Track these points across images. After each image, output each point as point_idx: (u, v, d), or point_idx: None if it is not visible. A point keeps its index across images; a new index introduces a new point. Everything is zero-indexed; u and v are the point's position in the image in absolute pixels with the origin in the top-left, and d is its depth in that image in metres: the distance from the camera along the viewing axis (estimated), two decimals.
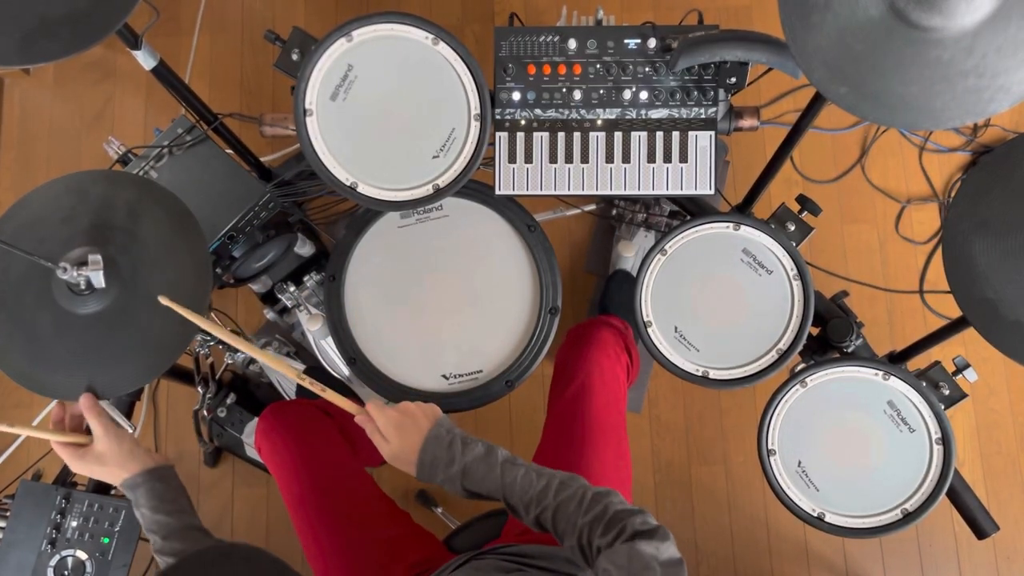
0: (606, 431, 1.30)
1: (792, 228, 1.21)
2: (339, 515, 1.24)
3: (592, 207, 2.05)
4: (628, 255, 1.95)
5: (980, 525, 1.22)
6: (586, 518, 0.92)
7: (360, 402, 1.07)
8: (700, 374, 1.19)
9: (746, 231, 1.19)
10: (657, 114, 1.16)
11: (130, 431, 1.07)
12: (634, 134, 1.17)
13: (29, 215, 1.05)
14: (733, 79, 1.15)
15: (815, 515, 1.14)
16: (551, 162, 1.17)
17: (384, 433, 1.02)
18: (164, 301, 0.99)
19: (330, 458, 1.31)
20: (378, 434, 1.03)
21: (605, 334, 1.43)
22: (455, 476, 0.99)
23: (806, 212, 1.22)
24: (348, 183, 1.15)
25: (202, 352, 1.61)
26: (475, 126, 1.14)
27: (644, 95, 1.16)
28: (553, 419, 1.37)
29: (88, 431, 1.04)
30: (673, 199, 1.38)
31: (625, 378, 1.45)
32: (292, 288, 1.78)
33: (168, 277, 1.02)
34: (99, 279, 0.97)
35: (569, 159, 1.17)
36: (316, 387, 1.05)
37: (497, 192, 1.18)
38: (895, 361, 1.25)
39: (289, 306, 1.82)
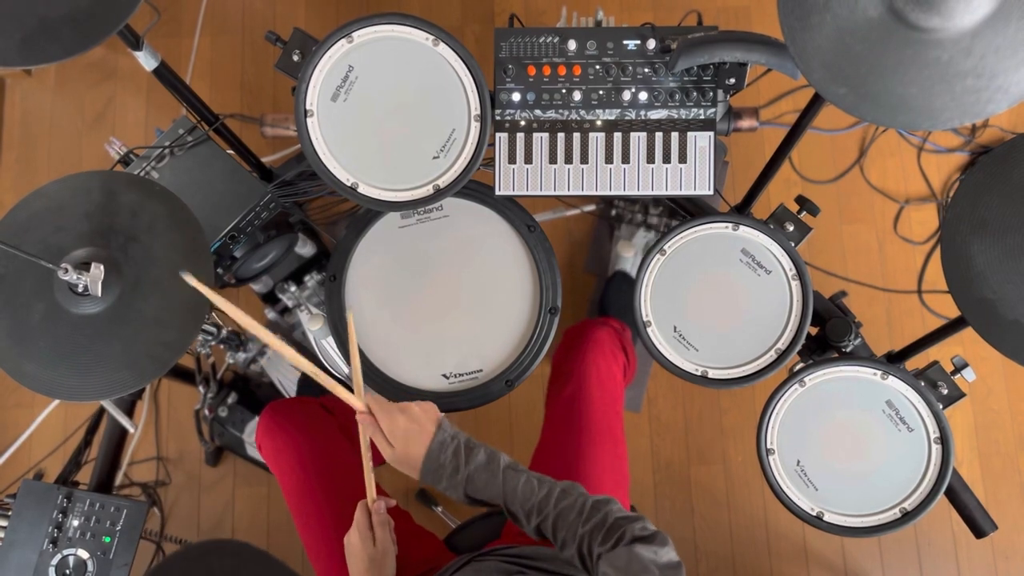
0: (603, 432, 1.30)
1: (791, 228, 1.22)
2: (341, 512, 1.25)
3: (592, 207, 2.06)
4: (628, 255, 1.96)
5: (978, 524, 1.22)
6: (586, 527, 0.93)
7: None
8: (699, 374, 1.19)
9: (745, 231, 1.20)
10: (656, 115, 1.17)
11: (131, 431, 1.07)
12: (633, 135, 1.17)
13: (30, 216, 1.05)
14: (732, 80, 1.15)
15: (814, 514, 1.15)
16: (551, 162, 1.18)
17: (390, 438, 1.02)
18: (188, 279, 0.97)
19: (332, 456, 1.32)
20: (381, 435, 1.02)
21: (601, 334, 1.43)
22: (459, 484, 1.00)
23: (805, 212, 1.22)
24: (349, 183, 1.15)
25: (203, 352, 1.61)
26: (475, 127, 1.14)
27: (643, 96, 1.16)
28: (550, 421, 1.38)
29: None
30: (672, 199, 1.39)
31: (621, 378, 1.45)
32: (293, 288, 1.79)
33: (169, 277, 1.02)
34: (96, 288, 0.97)
35: (569, 159, 1.17)
36: (321, 377, 1.04)
37: (497, 192, 1.18)
38: (893, 361, 1.25)
39: (290, 306, 1.83)
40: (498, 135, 1.17)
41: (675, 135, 1.17)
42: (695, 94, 1.16)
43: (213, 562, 0.62)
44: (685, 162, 1.17)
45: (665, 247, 1.21)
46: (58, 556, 1.16)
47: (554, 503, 0.96)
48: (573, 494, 0.97)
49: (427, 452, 1.00)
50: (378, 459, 1.08)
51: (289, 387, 1.88)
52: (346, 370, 1.29)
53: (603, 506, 0.95)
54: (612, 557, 0.88)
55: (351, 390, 1.06)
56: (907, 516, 1.12)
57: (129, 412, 1.35)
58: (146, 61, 1.15)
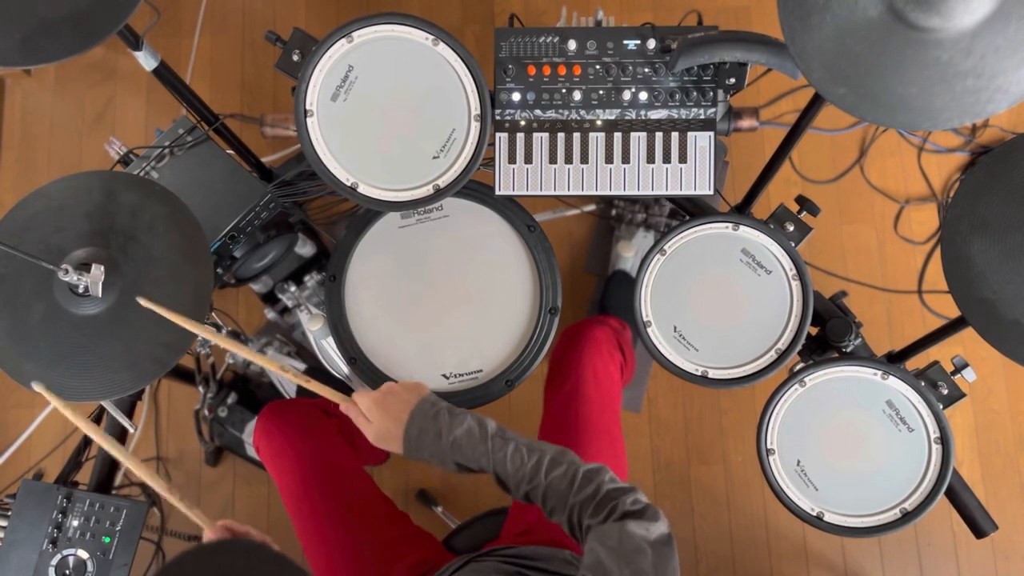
0: (600, 431, 1.30)
1: (791, 228, 1.22)
2: (339, 515, 1.25)
3: (592, 207, 2.06)
4: (627, 255, 1.96)
5: (978, 524, 1.22)
6: (577, 497, 0.92)
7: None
8: (699, 374, 1.19)
9: (745, 231, 1.20)
10: (656, 115, 1.17)
11: (131, 431, 1.07)
12: (633, 135, 1.17)
13: (30, 216, 1.05)
14: (732, 80, 1.15)
15: (814, 514, 1.15)
16: (551, 162, 1.18)
17: (368, 414, 1.01)
18: (144, 303, 0.98)
19: (330, 458, 1.32)
20: (362, 417, 1.01)
21: (598, 333, 1.43)
22: (444, 450, 0.98)
23: (805, 212, 1.22)
24: (348, 183, 1.15)
25: (203, 352, 1.61)
26: (475, 127, 1.14)
27: (643, 96, 1.16)
28: (548, 420, 1.38)
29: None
30: (672, 199, 1.39)
31: (619, 377, 1.45)
32: (293, 288, 1.79)
33: (169, 277, 1.02)
34: (97, 289, 0.97)
35: (569, 159, 1.17)
36: (301, 379, 1.05)
37: (497, 192, 1.18)
38: (894, 361, 1.25)
39: (290, 306, 1.83)
40: (498, 135, 1.17)
41: (675, 135, 1.17)
42: (695, 94, 1.16)
43: (225, 561, 0.62)
44: (685, 162, 1.17)
45: (665, 247, 1.21)
46: (58, 556, 1.16)
47: (545, 472, 0.95)
48: (564, 462, 0.96)
49: (408, 419, 0.99)
50: (377, 458, 1.08)
51: (288, 387, 1.88)
52: (346, 371, 1.29)
53: (595, 475, 0.93)
54: (603, 534, 0.86)
55: (342, 391, 1.06)
56: (907, 516, 1.12)
57: (129, 412, 1.35)
58: (146, 61, 1.15)
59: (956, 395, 1.18)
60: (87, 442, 1.39)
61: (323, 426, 1.38)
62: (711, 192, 1.17)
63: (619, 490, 0.91)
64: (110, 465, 1.33)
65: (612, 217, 2.01)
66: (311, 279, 1.77)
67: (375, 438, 1.01)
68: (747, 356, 1.19)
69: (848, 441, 1.15)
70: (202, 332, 0.99)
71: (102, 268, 0.97)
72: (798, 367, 1.18)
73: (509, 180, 1.18)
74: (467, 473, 1.01)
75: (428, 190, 1.16)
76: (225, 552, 0.63)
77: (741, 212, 1.38)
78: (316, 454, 1.31)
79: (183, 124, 1.33)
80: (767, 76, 1.17)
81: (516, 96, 1.17)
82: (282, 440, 1.32)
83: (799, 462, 1.16)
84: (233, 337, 1.71)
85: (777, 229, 1.21)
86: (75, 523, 1.18)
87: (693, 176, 1.17)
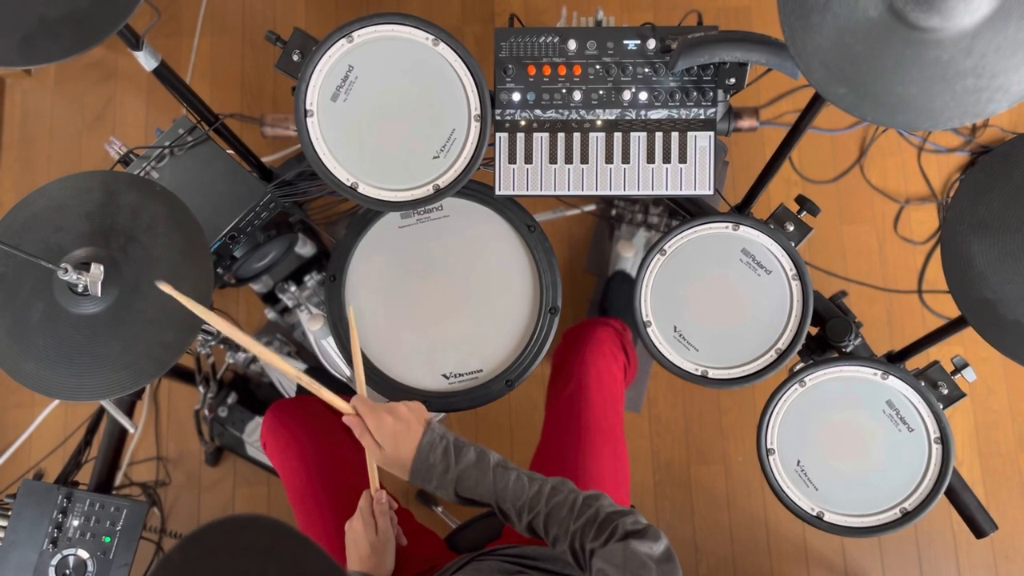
0: (603, 432, 1.30)
1: (791, 228, 1.22)
2: (343, 511, 1.25)
3: (592, 207, 2.06)
4: (628, 255, 1.96)
5: (979, 524, 1.22)
6: (578, 523, 0.93)
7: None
8: (699, 374, 1.19)
9: (745, 231, 1.20)
10: (656, 115, 1.17)
11: (131, 431, 1.07)
12: (633, 135, 1.17)
13: (30, 215, 1.05)
14: (732, 80, 1.15)
15: (814, 514, 1.15)
16: (551, 162, 1.18)
17: (378, 439, 1.02)
18: (163, 287, 0.98)
19: (335, 455, 1.32)
20: (368, 436, 1.02)
21: (601, 334, 1.43)
22: (449, 483, 0.99)
23: (805, 212, 1.22)
24: (349, 183, 1.15)
25: (203, 352, 1.61)
26: (475, 127, 1.14)
27: (643, 96, 1.16)
28: (551, 420, 1.38)
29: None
30: (672, 199, 1.39)
31: (622, 378, 1.45)
32: (293, 288, 1.79)
33: (169, 277, 1.02)
34: (96, 289, 0.97)
35: (569, 159, 1.17)
36: (303, 379, 1.05)
37: (497, 192, 1.18)
38: (894, 361, 1.25)
39: (290, 306, 1.83)
40: (498, 135, 1.17)
41: (675, 135, 1.17)
42: (695, 94, 1.16)
43: (249, 536, 0.62)
44: (685, 162, 1.17)
45: (665, 247, 1.21)
46: (58, 556, 1.16)
47: (545, 500, 0.96)
48: (563, 490, 0.97)
49: (416, 452, 1.00)
50: None
51: (289, 387, 1.88)
52: (347, 371, 1.29)
53: (594, 501, 0.95)
54: (607, 553, 0.87)
55: (344, 391, 1.06)
56: (907, 516, 1.12)
57: (129, 412, 1.35)
58: (146, 61, 1.15)
59: (956, 395, 1.18)
60: (87, 442, 1.39)
61: (328, 423, 1.38)
62: (711, 192, 1.17)
63: (618, 512, 0.92)
64: (110, 465, 1.34)
65: (612, 217, 2.01)
66: (311, 279, 1.77)
67: (382, 463, 1.03)
68: (747, 356, 1.19)
69: (848, 441, 1.15)
70: (215, 321, 0.99)
71: (101, 267, 0.97)
72: (798, 367, 1.18)
73: (509, 180, 1.18)
74: (468, 504, 1.02)
75: (428, 190, 1.16)
76: (251, 528, 0.62)
77: (741, 212, 1.37)
78: (322, 451, 1.31)
79: (183, 124, 1.33)
80: (767, 76, 1.17)
81: (516, 96, 1.17)
82: (288, 437, 1.33)
83: (799, 462, 1.16)
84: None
85: (777, 229, 1.21)
86: (75, 523, 1.18)
87: (693, 176, 1.17)
